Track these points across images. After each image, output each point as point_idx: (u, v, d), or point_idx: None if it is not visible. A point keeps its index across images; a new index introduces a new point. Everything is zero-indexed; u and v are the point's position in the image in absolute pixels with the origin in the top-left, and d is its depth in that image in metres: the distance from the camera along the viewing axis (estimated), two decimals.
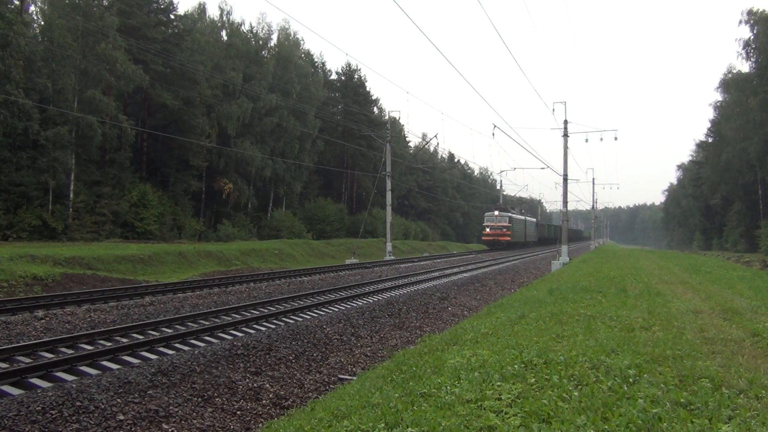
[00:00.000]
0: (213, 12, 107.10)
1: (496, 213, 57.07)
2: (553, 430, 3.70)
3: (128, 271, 23.95)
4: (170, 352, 9.64)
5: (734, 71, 54.57)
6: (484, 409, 4.21)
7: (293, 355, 10.00)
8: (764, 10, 49.50)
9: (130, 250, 27.05)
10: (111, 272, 22.89)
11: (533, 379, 4.87)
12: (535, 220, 77.61)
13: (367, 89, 67.02)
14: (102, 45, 33.62)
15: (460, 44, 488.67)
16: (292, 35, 55.06)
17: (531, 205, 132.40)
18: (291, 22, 56.09)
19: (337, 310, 14.67)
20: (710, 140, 71.19)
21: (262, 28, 52.55)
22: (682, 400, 4.19)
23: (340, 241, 47.87)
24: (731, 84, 54.17)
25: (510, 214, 57.93)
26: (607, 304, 9.89)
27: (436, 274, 25.37)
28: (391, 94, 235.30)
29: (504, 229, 56.70)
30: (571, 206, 62.32)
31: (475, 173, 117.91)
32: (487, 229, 57.49)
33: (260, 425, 7.05)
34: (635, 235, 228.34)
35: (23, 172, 31.27)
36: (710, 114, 79.75)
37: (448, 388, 4.92)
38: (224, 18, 50.81)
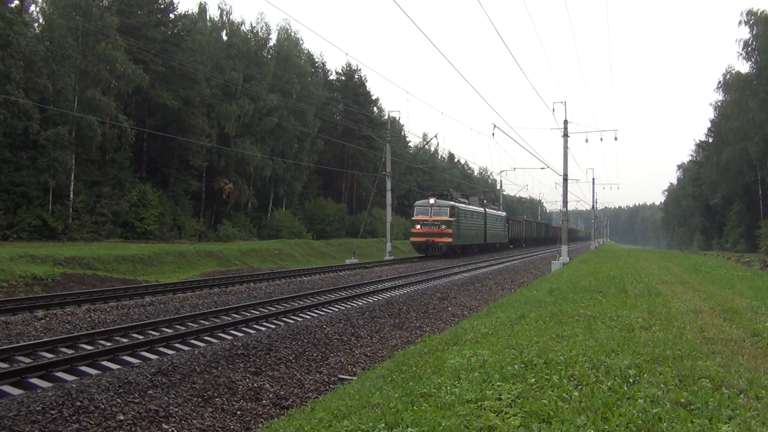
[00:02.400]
0: (213, 12, 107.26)
1: (432, 201, 38.69)
2: (553, 430, 3.70)
3: (128, 271, 23.95)
4: (170, 352, 9.64)
5: (734, 71, 54.65)
6: (484, 409, 4.21)
7: (293, 355, 10.00)
8: (764, 11, 49.58)
9: (130, 250, 27.05)
10: (111, 272, 22.90)
11: (533, 379, 4.87)
12: (504, 214, 57.23)
13: (367, 89, 67.13)
14: (102, 45, 33.63)
15: (460, 44, 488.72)
16: (293, 35, 55.11)
17: (531, 205, 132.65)
18: (291, 22, 56.18)
19: (337, 310, 14.67)
20: (710, 140, 71.29)
21: (261, 28, 52.61)
22: (682, 400, 4.19)
23: (340, 241, 47.88)
24: (731, 84, 54.22)
25: (454, 203, 39.42)
26: (607, 304, 9.89)
27: (436, 274, 25.37)
28: (391, 94, 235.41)
29: (442, 226, 37.74)
30: (571, 206, 56.01)
31: (475, 173, 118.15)
32: (418, 226, 38.52)
33: (260, 425, 7.05)
34: (635, 235, 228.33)
35: (23, 172, 31.27)
36: (710, 114, 79.86)
37: (448, 388, 4.92)
38: (224, 18, 50.86)
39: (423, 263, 33.52)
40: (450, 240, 38.16)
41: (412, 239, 39.97)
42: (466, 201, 44.97)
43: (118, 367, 8.51)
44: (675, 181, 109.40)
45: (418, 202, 40.56)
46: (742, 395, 4.41)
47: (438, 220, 38.19)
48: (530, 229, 73.31)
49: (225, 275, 23.56)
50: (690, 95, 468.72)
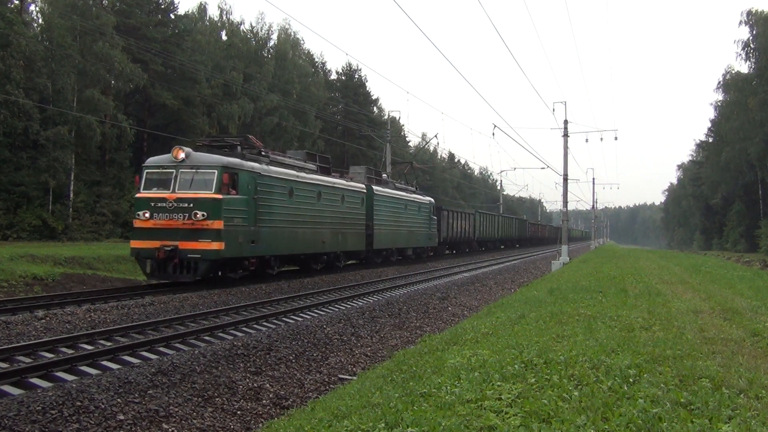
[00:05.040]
0: (213, 12, 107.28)
1: (181, 155, 15.78)
2: (553, 430, 3.70)
3: (128, 271, 23.95)
4: (170, 352, 9.64)
5: (733, 71, 54.64)
6: (484, 409, 4.21)
7: (293, 355, 10.00)
8: (764, 11, 49.57)
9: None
10: (111, 272, 22.91)
11: (533, 379, 4.87)
12: (428, 200, 34.43)
13: (368, 89, 67.10)
14: (99, 44, 33.64)
15: (460, 44, 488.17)
16: (293, 35, 55.12)
17: (531, 204, 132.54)
18: (291, 22, 56.18)
19: (337, 310, 14.67)
20: (710, 140, 71.26)
21: (261, 28, 52.64)
22: (682, 400, 4.19)
23: None
24: (731, 84, 54.23)
25: (234, 160, 16.45)
26: (607, 304, 9.89)
27: (436, 274, 25.38)
28: (391, 94, 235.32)
29: (197, 214, 15.38)
30: (571, 206, 54.19)
31: (476, 173, 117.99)
32: (145, 214, 16.00)
33: (260, 425, 7.05)
34: (635, 235, 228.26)
35: (23, 172, 31.29)
36: (710, 114, 79.83)
37: (448, 388, 4.92)
38: (224, 18, 50.89)
39: (422, 263, 33.30)
40: (216, 246, 15.97)
41: (132, 244, 17.17)
42: (313, 165, 22.04)
43: (118, 366, 8.51)
44: (675, 181, 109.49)
45: (150, 160, 17.53)
46: (742, 395, 4.41)
47: (188, 198, 15.94)
48: (490, 226, 47.84)
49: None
50: (690, 95, 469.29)
